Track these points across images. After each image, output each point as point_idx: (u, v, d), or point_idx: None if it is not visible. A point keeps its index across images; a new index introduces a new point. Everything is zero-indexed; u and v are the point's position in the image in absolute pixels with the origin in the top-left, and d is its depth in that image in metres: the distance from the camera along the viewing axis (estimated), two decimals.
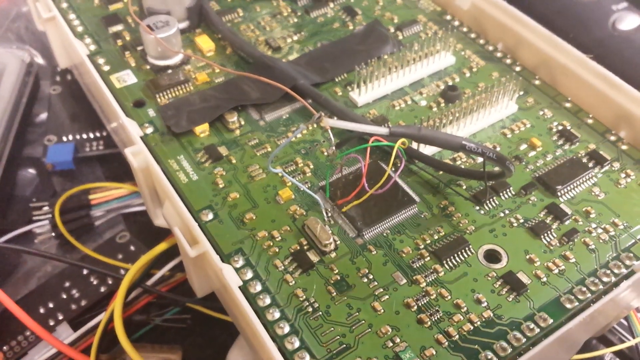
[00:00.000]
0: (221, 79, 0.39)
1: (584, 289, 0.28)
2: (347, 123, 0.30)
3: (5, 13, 0.59)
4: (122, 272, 0.38)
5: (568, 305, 0.27)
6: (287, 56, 0.41)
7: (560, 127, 0.36)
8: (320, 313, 0.27)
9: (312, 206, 0.32)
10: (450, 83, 0.39)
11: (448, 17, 0.44)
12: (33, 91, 0.51)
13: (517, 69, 0.40)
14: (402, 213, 0.31)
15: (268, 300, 0.27)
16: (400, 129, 0.30)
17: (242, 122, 0.36)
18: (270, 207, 0.32)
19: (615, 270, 0.29)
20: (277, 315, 0.27)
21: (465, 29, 0.43)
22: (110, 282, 0.38)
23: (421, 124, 0.33)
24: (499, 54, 0.41)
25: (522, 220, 0.31)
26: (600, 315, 0.29)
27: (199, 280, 0.31)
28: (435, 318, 0.27)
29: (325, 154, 0.34)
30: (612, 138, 0.35)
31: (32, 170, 0.47)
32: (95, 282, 0.38)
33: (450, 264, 0.29)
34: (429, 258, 0.29)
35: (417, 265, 0.29)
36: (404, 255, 0.29)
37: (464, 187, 0.33)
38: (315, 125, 0.36)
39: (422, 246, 0.30)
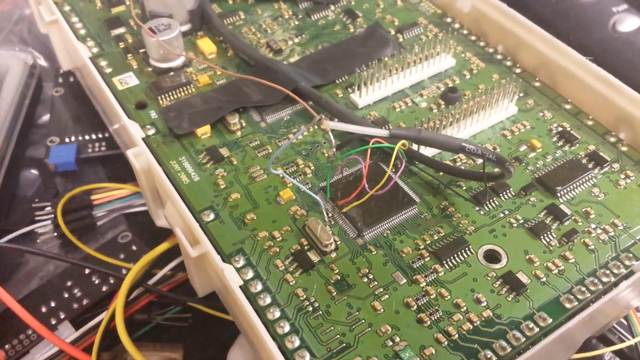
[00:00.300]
0: (223, 81, 0.39)
1: (584, 289, 0.28)
2: (347, 125, 0.30)
3: (8, 16, 0.59)
4: (124, 271, 0.38)
5: (567, 305, 0.28)
6: (289, 58, 0.41)
7: (560, 129, 0.36)
8: (321, 312, 0.27)
9: (312, 207, 0.32)
10: (450, 85, 0.39)
11: (448, 20, 0.45)
12: (36, 93, 0.51)
13: (517, 70, 0.40)
14: (402, 214, 0.31)
15: (268, 300, 0.28)
16: (401, 132, 0.30)
17: (244, 124, 0.36)
18: (271, 207, 0.32)
19: (615, 271, 0.29)
20: (277, 314, 0.27)
21: (465, 31, 0.43)
22: (112, 281, 0.38)
23: (421, 125, 0.34)
24: (499, 56, 0.41)
25: (521, 221, 0.31)
26: (600, 315, 0.29)
27: (200, 280, 0.31)
28: (435, 317, 0.27)
29: (326, 155, 0.35)
30: (612, 139, 0.36)
31: (34, 171, 0.48)
32: (97, 282, 0.38)
33: (450, 264, 0.29)
34: (429, 258, 0.29)
35: (417, 265, 0.29)
36: (404, 255, 0.30)
37: (464, 187, 0.33)
38: (316, 127, 0.36)
39: (422, 246, 0.30)
